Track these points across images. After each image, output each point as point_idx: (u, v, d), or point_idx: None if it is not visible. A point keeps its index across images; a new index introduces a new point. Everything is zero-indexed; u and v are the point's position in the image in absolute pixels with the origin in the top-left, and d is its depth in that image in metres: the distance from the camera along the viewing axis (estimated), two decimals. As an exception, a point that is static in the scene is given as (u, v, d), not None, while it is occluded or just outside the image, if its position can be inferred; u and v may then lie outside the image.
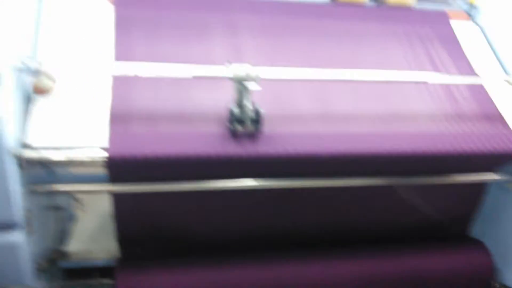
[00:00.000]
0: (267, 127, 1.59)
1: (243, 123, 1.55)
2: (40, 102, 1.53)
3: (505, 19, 2.15)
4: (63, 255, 1.93)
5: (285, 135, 1.63)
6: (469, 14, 2.31)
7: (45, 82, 1.52)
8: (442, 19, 2.24)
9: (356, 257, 2.02)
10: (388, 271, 2.00)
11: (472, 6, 2.30)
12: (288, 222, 2.03)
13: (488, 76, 2.02)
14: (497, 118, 1.89)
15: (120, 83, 1.63)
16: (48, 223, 1.83)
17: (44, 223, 1.75)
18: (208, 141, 1.55)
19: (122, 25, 1.81)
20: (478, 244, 2.17)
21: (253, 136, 1.58)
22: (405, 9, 2.22)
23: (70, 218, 2.34)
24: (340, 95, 1.82)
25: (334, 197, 1.98)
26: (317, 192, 1.90)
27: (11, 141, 1.35)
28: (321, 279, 1.94)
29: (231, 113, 1.54)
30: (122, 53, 1.72)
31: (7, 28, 1.53)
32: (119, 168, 1.50)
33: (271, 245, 2.01)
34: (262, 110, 1.54)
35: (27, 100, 1.52)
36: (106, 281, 1.98)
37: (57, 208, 1.94)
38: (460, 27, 2.21)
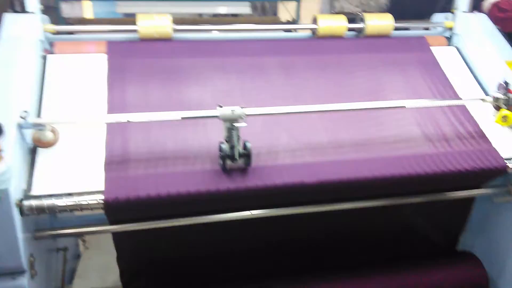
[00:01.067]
0: (256, 161, 1.65)
1: (233, 159, 1.60)
2: (42, 153, 1.61)
3: (481, 42, 2.23)
4: (69, 294, 1.98)
5: (274, 167, 1.69)
6: (447, 38, 2.39)
7: (48, 135, 1.61)
8: (421, 44, 2.31)
9: (353, 278, 2.07)
10: None
11: (449, 30, 2.39)
12: (282, 249, 2.08)
13: (469, 97, 2.10)
14: (480, 136, 1.95)
15: (114, 130, 1.70)
16: (53, 264, 1.89)
17: (49, 265, 1.81)
18: (200, 178, 1.61)
19: (115, 74, 1.89)
20: (471, 257, 2.22)
21: (243, 170, 1.65)
22: (384, 38, 2.29)
23: (75, 257, 2.40)
24: (324, 126, 1.88)
25: (326, 222, 2.04)
26: (309, 218, 1.96)
27: (14, 191, 1.41)
28: None
29: (221, 150, 1.60)
30: (115, 101, 1.80)
31: (12, 85, 1.64)
32: (115, 210, 1.56)
33: (269, 272, 2.06)
34: (250, 145, 1.60)
35: (32, 152, 1.61)
36: None
37: (61, 249, 2.00)
38: (439, 51, 2.29)
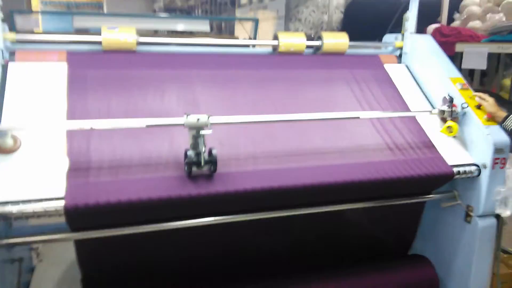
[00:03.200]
0: (221, 168, 1.69)
1: (199, 166, 1.63)
2: (3, 160, 1.57)
3: (427, 60, 2.42)
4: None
5: (238, 173, 1.74)
6: (397, 57, 2.58)
7: (8, 142, 1.58)
8: (375, 62, 2.47)
9: (312, 280, 2.12)
10: None
11: (399, 49, 2.57)
12: (246, 254, 2.13)
13: (418, 110, 2.26)
14: (429, 146, 2.11)
15: (75, 137, 1.69)
16: (7, 276, 1.81)
17: (3, 277, 1.74)
18: (163, 185, 1.62)
19: (75, 83, 1.88)
20: (422, 260, 2.35)
21: (208, 177, 1.68)
22: (340, 55, 2.43)
23: (28, 270, 2.31)
24: (286, 135, 1.96)
25: (288, 225, 2.11)
26: (271, 222, 2.01)
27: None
28: None
29: (187, 157, 1.63)
30: (75, 108, 1.79)
31: None
32: (76, 216, 1.54)
33: (233, 277, 2.08)
34: (216, 152, 1.64)
35: None
36: None
37: (16, 260, 1.93)
38: (390, 68, 2.46)
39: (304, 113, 1.99)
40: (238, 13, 8.26)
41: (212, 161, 1.64)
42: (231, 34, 7.93)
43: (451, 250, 2.27)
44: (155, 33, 7.06)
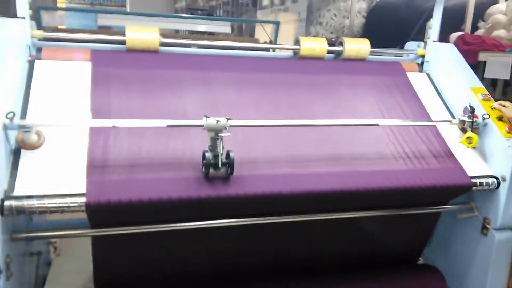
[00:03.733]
0: (238, 171, 1.70)
1: (216, 167, 1.65)
2: (26, 155, 1.62)
3: (449, 69, 2.40)
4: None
5: (255, 176, 1.75)
6: (418, 65, 2.55)
7: (32, 138, 1.61)
8: (397, 69, 2.45)
9: (322, 286, 2.12)
10: None
11: (421, 58, 2.55)
12: (257, 257, 2.14)
13: (439, 119, 2.25)
14: (449, 155, 2.09)
15: (97, 134, 1.72)
16: (26, 268, 1.86)
17: (23, 269, 1.79)
18: (182, 185, 1.64)
19: (99, 82, 1.92)
20: (433, 270, 2.33)
21: (225, 179, 1.70)
22: (361, 61, 2.42)
23: (45, 263, 2.37)
24: (304, 140, 1.96)
25: (303, 231, 2.11)
26: (285, 227, 2.03)
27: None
28: None
29: (205, 158, 1.64)
30: (98, 107, 1.82)
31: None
32: (97, 213, 1.57)
33: (246, 279, 2.10)
34: (233, 155, 1.65)
35: (15, 153, 1.62)
36: None
37: (35, 253, 1.98)
38: (411, 76, 2.43)
39: (324, 118, 1.99)
40: (259, 14, 8.28)
41: (230, 163, 1.65)
42: (251, 35, 7.96)
43: (465, 262, 2.24)
44: (176, 32, 7.13)
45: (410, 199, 2.08)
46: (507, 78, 3.21)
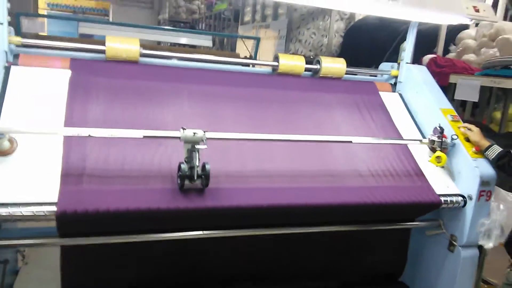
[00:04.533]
0: (213, 183, 1.71)
1: (192, 179, 1.66)
2: (-2, 162, 1.60)
3: (420, 90, 2.48)
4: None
5: (229, 189, 1.77)
6: (391, 85, 2.64)
7: (5, 144, 1.60)
8: (371, 88, 2.53)
9: None
10: None
11: (394, 78, 2.64)
12: (233, 269, 2.13)
13: (409, 138, 2.32)
14: (418, 174, 2.15)
15: (71, 143, 1.71)
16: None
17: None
18: (154, 196, 1.64)
19: (76, 90, 1.91)
20: (401, 286, 2.37)
21: (200, 191, 1.71)
22: (337, 80, 2.49)
23: (13, 272, 2.30)
24: (280, 154, 1.99)
25: (274, 244, 2.12)
26: (258, 240, 2.04)
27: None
28: None
29: (180, 170, 1.65)
30: (74, 115, 1.82)
31: None
32: (66, 222, 1.55)
33: None
34: (209, 167, 1.67)
35: None
36: None
37: (1, 262, 1.93)
38: (384, 96, 2.52)
39: (299, 134, 2.03)
40: (241, 30, 8.37)
41: (205, 175, 1.67)
42: (232, 50, 8.02)
43: (432, 278, 2.30)
44: (158, 44, 7.13)
45: (380, 216, 2.13)
46: (476, 100, 3.33)
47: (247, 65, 2.57)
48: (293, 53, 5.63)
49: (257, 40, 5.73)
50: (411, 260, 2.42)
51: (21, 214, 1.50)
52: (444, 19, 2.52)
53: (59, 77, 1.96)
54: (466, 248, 2.16)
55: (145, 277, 2.00)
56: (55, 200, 1.54)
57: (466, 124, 2.27)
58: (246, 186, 1.82)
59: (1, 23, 1.91)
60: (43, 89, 1.90)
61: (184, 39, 5.82)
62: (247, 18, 8.32)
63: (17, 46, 2.02)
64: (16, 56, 2.00)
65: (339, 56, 5.28)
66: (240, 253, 2.10)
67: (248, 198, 1.76)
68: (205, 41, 5.85)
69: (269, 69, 2.46)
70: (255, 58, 5.47)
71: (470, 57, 3.76)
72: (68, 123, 1.78)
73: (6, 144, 1.61)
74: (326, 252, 2.25)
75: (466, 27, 3.96)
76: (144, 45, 2.18)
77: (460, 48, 3.92)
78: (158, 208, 1.61)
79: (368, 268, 2.38)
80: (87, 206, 1.54)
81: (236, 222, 1.90)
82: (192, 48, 6.03)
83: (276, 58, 2.39)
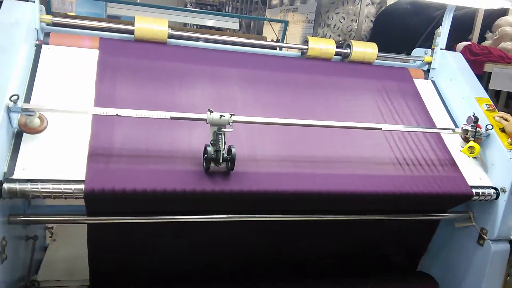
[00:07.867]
0: (239, 167, 1.70)
1: (217, 162, 1.65)
2: (28, 139, 1.62)
3: (455, 77, 2.39)
4: (34, 284, 1.95)
5: (255, 174, 1.75)
6: (424, 71, 2.55)
7: (35, 122, 1.61)
8: (404, 74, 2.45)
9: None
10: None
11: (427, 65, 2.55)
12: (250, 255, 2.14)
13: (441, 127, 2.25)
14: (451, 164, 2.09)
15: (100, 122, 1.72)
16: (21, 252, 1.87)
17: (18, 252, 1.79)
18: (180, 178, 1.64)
19: (105, 70, 1.92)
20: (428, 278, 2.32)
21: (225, 174, 1.70)
22: (368, 65, 2.42)
23: (41, 248, 2.37)
24: (307, 140, 1.96)
25: (300, 231, 2.11)
26: (282, 226, 2.02)
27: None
28: None
29: (206, 153, 1.65)
30: (102, 95, 1.82)
31: (3, 69, 1.64)
32: (95, 201, 1.57)
33: (243, 276, 2.10)
34: (235, 151, 1.66)
35: (17, 136, 1.62)
36: None
37: (31, 237, 1.98)
38: (417, 83, 2.43)
39: (327, 120, 1.98)
40: (268, 13, 8.27)
41: (230, 159, 1.65)
42: (259, 33, 7.95)
43: (460, 271, 2.24)
44: (185, 26, 7.12)
45: (409, 205, 2.08)
46: (511, 90, 3.21)
47: (275, 48, 2.52)
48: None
49: (285, 23, 5.64)
50: (437, 252, 2.37)
51: (50, 191, 1.52)
52: (484, 2, 2.40)
53: (89, 57, 1.97)
54: (497, 242, 2.09)
55: (168, 258, 2.01)
56: (83, 178, 1.55)
57: (502, 113, 2.18)
58: (273, 170, 1.80)
59: (33, 1, 1.92)
60: (72, 68, 1.91)
61: (210, 22, 5.78)
62: (275, 1, 8.21)
63: (48, 24, 2.04)
64: (47, 34, 2.01)
65: (368, 41, 5.16)
66: (262, 239, 2.09)
67: (273, 183, 1.74)
68: (232, 23, 5.80)
69: (298, 52, 2.41)
70: (282, 41, 5.39)
71: (508, 45, 3.62)
72: (97, 102, 1.79)
73: (36, 121, 1.62)
74: (349, 241, 2.23)
75: (504, 13, 3.79)
76: (171, 26, 2.16)
77: (497, 36, 3.77)
78: (184, 190, 1.62)
79: (386, 257, 2.34)
80: (114, 185, 1.55)
81: (260, 207, 1.88)
82: (219, 31, 5.99)
83: (305, 42, 2.33)
